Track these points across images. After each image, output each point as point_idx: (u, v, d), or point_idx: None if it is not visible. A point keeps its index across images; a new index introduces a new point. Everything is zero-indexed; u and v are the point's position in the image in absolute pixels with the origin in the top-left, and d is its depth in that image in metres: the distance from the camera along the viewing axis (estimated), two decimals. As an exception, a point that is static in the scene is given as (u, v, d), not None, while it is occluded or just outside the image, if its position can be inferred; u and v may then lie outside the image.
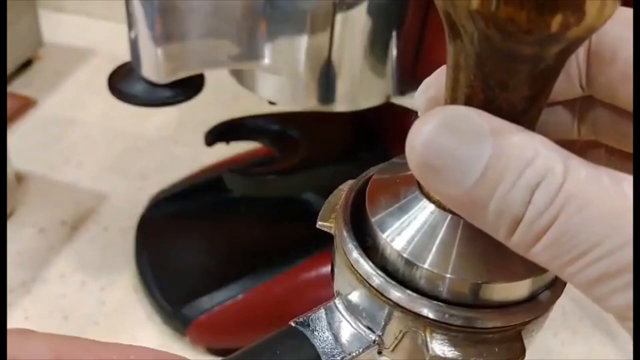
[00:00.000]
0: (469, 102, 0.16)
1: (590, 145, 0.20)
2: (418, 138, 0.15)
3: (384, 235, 0.18)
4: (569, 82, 0.18)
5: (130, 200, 0.57)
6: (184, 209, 0.54)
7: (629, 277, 0.14)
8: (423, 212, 0.17)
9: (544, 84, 0.15)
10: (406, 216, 0.17)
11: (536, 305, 0.17)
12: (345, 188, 0.20)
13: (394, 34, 0.38)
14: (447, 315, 0.17)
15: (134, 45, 0.36)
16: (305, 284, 0.46)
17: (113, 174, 0.61)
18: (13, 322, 0.48)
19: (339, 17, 0.35)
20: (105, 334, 0.48)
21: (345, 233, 0.18)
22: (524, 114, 0.15)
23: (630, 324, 0.14)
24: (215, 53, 0.36)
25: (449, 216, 0.17)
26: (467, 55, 0.15)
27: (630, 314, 0.14)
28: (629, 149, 0.19)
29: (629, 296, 0.14)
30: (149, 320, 0.49)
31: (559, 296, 0.18)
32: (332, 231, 0.20)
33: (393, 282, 0.17)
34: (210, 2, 0.34)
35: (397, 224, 0.17)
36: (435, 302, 0.17)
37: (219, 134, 0.50)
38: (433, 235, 0.17)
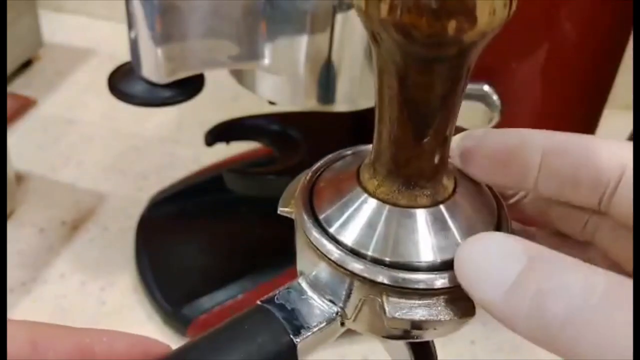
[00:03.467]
0: (391, 101, 0.18)
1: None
2: (461, 253, 0.18)
3: (331, 230, 0.19)
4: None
5: (130, 200, 0.57)
6: (184, 209, 0.54)
7: None
8: (364, 205, 0.19)
9: (453, 82, 0.17)
10: (346, 207, 0.19)
11: None
12: (302, 177, 0.22)
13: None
14: (400, 280, 0.18)
15: (134, 45, 0.36)
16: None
17: (113, 174, 0.61)
18: (13, 322, 0.48)
19: (339, 18, 0.35)
20: (105, 334, 0.48)
21: (305, 215, 0.20)
22: (440, 111, 0.18)
23: None
24: (215, 53, 0.36)
25: (387, 207, 0.19)
26: (386, 59, 0.17)
27: None
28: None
29: None
30: (149, 320, 0.49)
31: None
32: (292, 216, 0.21)
33: (350, 255, 0.19)
34: (210, 2, 0.34)
35: (342, 217, 0.19)
36: (388, 268, 0.18)
37: (219, 134, 0.50)
38: (371, 224, 0.19)
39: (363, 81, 0.39)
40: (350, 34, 0.36)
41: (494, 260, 0.17)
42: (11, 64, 0.70)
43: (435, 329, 0.19)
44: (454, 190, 0.20)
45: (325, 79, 0.38)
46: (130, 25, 0.36)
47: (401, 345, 0.21)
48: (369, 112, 0.40)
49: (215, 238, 0.53)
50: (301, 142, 0.49)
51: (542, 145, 0.20)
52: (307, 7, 0.35)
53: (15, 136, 0.64)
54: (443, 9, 0.15)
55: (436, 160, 0.19)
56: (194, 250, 0.52)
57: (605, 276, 0.15)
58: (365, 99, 0.40)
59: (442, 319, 0.18)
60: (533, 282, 0.16)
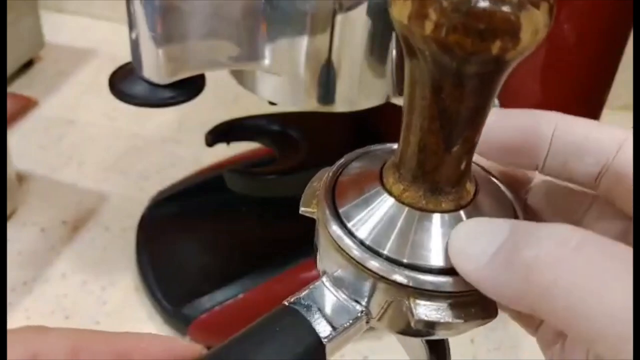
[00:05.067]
0: (423, 111, 0.18)
1: None
2: (451, 238, 0.19)
3: (350, 225, 0.20)
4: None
5: (131, 200, 0.58)
6: (185, 209, 0.54)
7: None
8: (384, 204, 0.20)
9: (487, 96, 0.17)
10: (369, 208, 0.20)
11: None
12: (322, 175, 0.22)
13: (394, 34, 0.38)
14: (428, 283, 0.18)
15: (135, 46, 0.36)
16: (305, 283, 0.46)
17: (114, 174, 0.61)
18: (14, 321, 0.48)
19: (339, 18, 0.35)
20: (106, 333, 0.48)
21: (329, 215, 0.20)
22: (471, 122, 0.18)
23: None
24: (215, 54, 0.36)
25: (406, 209, 0.19)
26: (422, 71, 0.17)
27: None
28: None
29: None
30: (150, 319, 0.49)
31: None
32: (314, 216, 0.21)
33: (377, 256, 0.19)
34: (211, 3, 0.34)
35: (362, 214, 0.20)
36: (415, 272, 0.19)
37: (220, 134, 0.50)
38: (392, 225, 0.19)
39: (363, 81, 0.39)
40: (350, 34, 0.36)
41: (477, 236, 0.18)
42: (12, 65, 0.70)
43: (457, 328, 0.19)
44: (475, 194, 0.20)
45: (325, 79, 0.38)
46: (131, 26, 0.36)
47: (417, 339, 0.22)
48: (369, 112, 0.41)
49: (215, 238, 0.53)
50: (301, 142, 0.50)
51: (555, 121, 0.20)
52: (307, 7, 0.35)
53: (16, 136, 0.64)
54: (489, 29, 0.15)
55: (462, 166, 0.19)
56: (194, 249, 0.52)
57: (582, 232, 0.16)
58: (365, 99, 0.40)
59: (467, 320, 0.19)
60: (511, 245, 0.17)
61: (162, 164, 0.63)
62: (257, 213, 0.54)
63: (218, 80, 0.42)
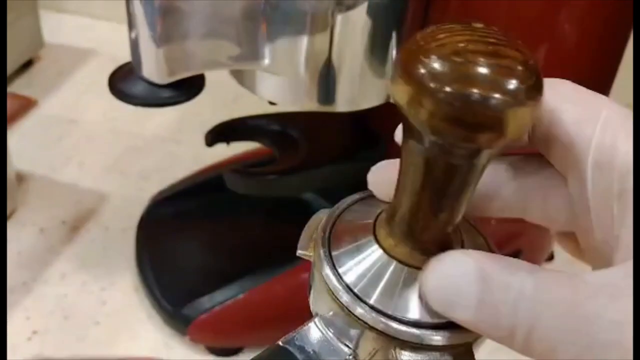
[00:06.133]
0: (416, 178, 0.19)
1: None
2: (427, 287, 0.19)
3: (341, 270, 0.21)
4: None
5: (131, 200, 0.57)
6: (184, 209, 0.54)
7: None
8: (374, 255, 0.21)
9: (474, 174, 0.19)
10: (360, 257, 0.21)
11: None
12: (320, 216, 0.23)
13: (394, 34, 0.38)
14: (411, 336, 0.20)
15: (134, 46, 0.36)
16: (305, 284, 0.46)
17: (114, 174, 0.61)
18: (14, 321, 0.48)
19: (338, 18, 0.35)
20: (106, 333, 0.48)
21: (323, 258, 0.21)
22: (458, 194, 0.19)
23: None
24: (215, 54, 0.36)
25: (395, 263, 0.20)
26: (418, 149, 0.18)
27: None
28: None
29: None
30: (150, 319, 0.49)
31: None
32: (311, 259, 0.22)
33: (363, 303, 0.20)
34: (211, 3, 0.34)
35: (352, 262, 0.21)
36: (400, 324, 0.20)
37: (220, 134, 0.50)
38: (380, 276, 0.20)
39: (363, 81, 0.39)
40: (350, 34, 0.36)
41: (455, 290, 0.19)
42: (12, 64, 0.70)
43: None
44: None
45: (326, 79, 0.38)
46: (131, 25, 0.36)
47: None
48: (369, 112, 0.41)
49: (215, 238, 0.53)
50: (301, 142, 0.50)
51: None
52: (307, 7, 0.35)
53: (16, 136, 0.64)
54: (477, 123, 0.16)
55: (449, 229, 0.20)
56: (194, 250, 0.52)
57: (534, 277, 0.18)
58: (365, 99, 0.40)
59: None
60: (490, 300, 0.18)
61: (162, 164, 0.62)
62: (256, 213, 0.54)
63: (218, 80, 0.42)
